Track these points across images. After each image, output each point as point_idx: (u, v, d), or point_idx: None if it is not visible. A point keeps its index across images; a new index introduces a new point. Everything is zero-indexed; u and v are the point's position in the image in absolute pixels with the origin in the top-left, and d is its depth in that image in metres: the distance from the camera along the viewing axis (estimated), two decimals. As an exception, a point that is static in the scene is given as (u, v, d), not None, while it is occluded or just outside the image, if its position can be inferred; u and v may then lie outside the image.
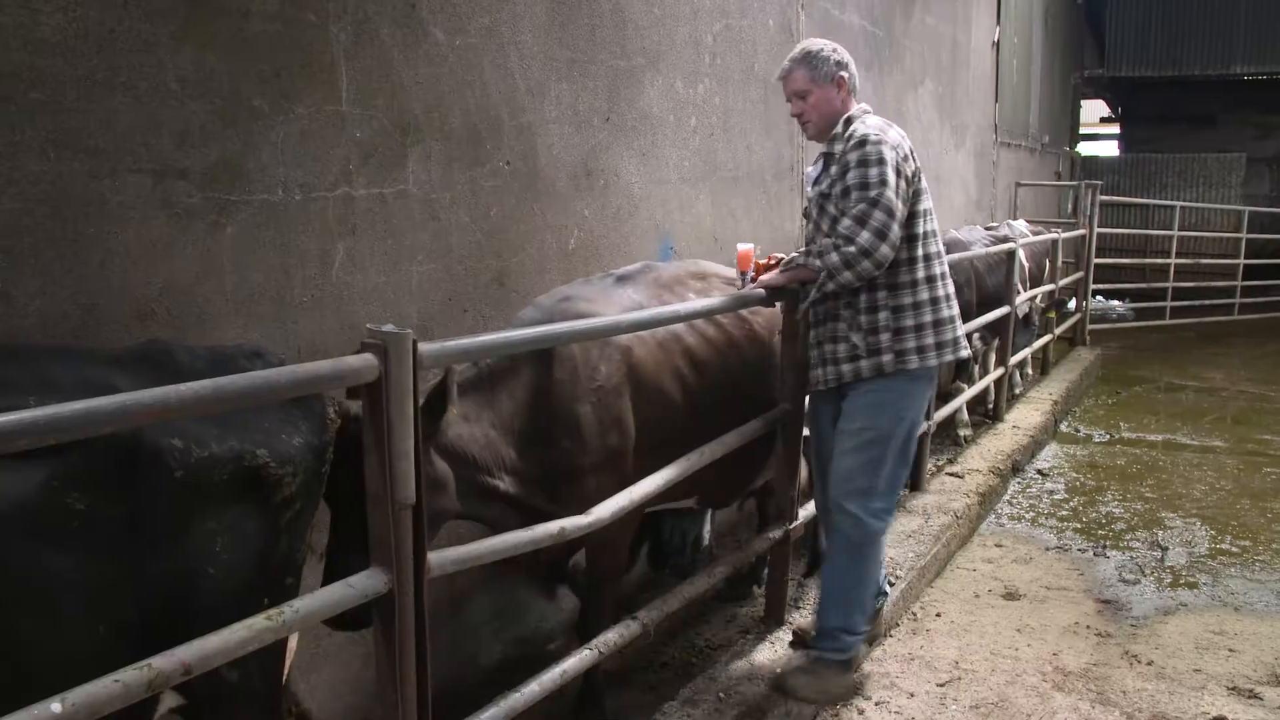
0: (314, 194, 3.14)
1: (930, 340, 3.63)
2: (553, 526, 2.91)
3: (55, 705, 1.66)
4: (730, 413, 3.75)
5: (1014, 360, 8.20)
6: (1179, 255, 14.73)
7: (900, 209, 3.49)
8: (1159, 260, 14.89)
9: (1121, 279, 14.88)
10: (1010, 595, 5.10)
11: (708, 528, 5.02)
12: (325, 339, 3.19)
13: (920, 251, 3.64)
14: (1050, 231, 9.89)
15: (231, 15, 2.86)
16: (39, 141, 2.44)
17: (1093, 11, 17.61)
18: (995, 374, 7.94)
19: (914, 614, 4.82)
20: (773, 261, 3.91)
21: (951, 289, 3.76)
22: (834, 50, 3.70)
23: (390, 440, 2.22)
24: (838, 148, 3.65)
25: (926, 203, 3.68)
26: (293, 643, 2.45)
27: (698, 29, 5.21)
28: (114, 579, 1.98)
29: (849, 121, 3.67)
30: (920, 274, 3.63)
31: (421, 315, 3.57)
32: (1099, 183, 12.38)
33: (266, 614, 2.07)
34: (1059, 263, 9.78)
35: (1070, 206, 14.25)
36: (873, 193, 3.47)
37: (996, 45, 11.59)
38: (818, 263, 3.58)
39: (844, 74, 3.69)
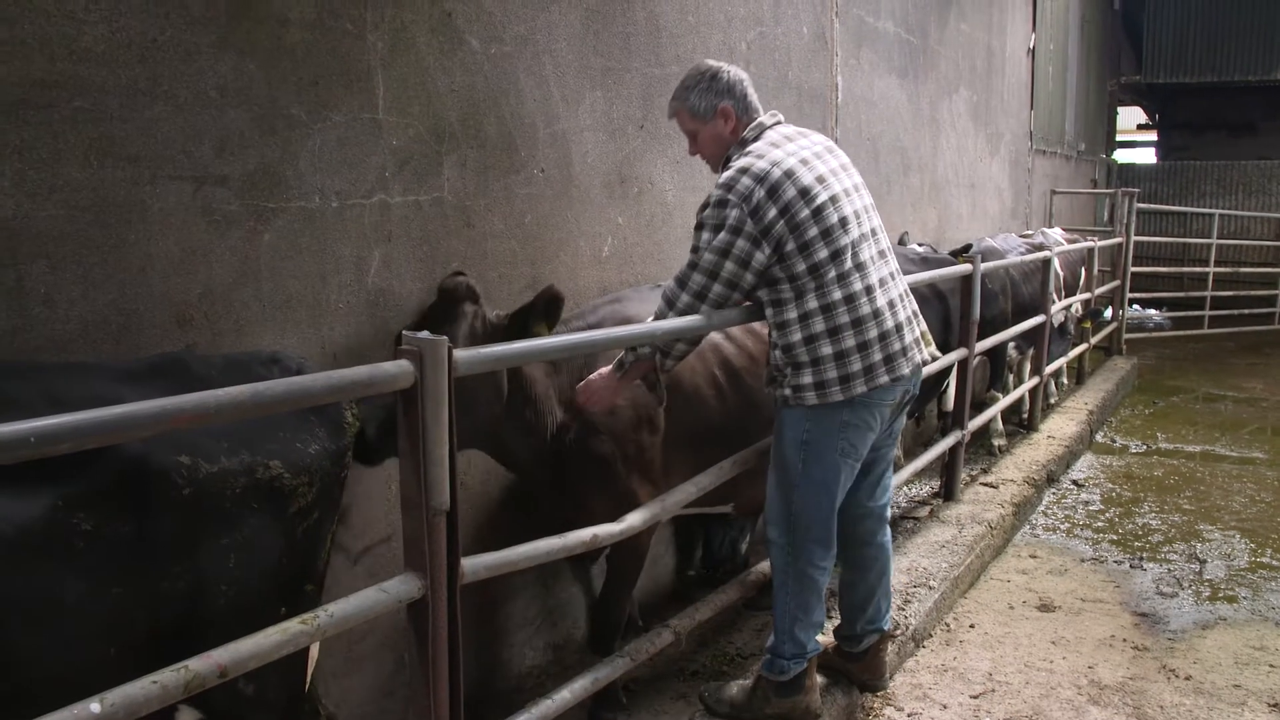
0: (350, 201, 3.17)
1: (833, 374, 3.26)
2: (585, 534, 2.92)
3: (94, 705, 1.69)
4: (762, 422, 3.74)
5: (1049, 369, 8.14)
6: (1218, 264, 14.56)
7: (726, 273, 3.19)
8: (1197, 269, 14.72)
9: (1159, 287, 14.73)
10: (1045, 607, 5.06)
11: (747, 537, 5.04)
12: (360, 345, 3.22)
13: (813, 284, 3.23)
14: (1086, 239, 9.81)
15: (270, 24, 2.89)
16: (82, 149, 2.47)
17: (1130, 17, 17.45)
18: (1030, 383, 7.88)
19: (947, 625, 4.79)
20: None
21: (866, 310, 3.27)
22: (713, 78, 3.38)
23: (425, 446, 2.23)
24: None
25: (831, 220, 3.22)
26: (314, 652, 2.46)
27: (731, 37, 5.21)
28: (123, 599, 1.95)
29: (730, 156, 3.39)
30: (813, 304, 3.23)
31: (456, 322, 3.59)
32: (1136, 190, 12.28)
33: (301, 618, 2.08)
34: (1095, 271, 9.70)
35: (1106, 214, 14.16)
36: (698, 258, 3.24)
37: (1032, 52, 11.51)
38: (646, 350, 3.28)
39: (726, 103, 3.37)
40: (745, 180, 3.20)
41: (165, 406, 1.77)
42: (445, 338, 2.25)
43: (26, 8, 2.34)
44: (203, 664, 1.86)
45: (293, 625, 2.05)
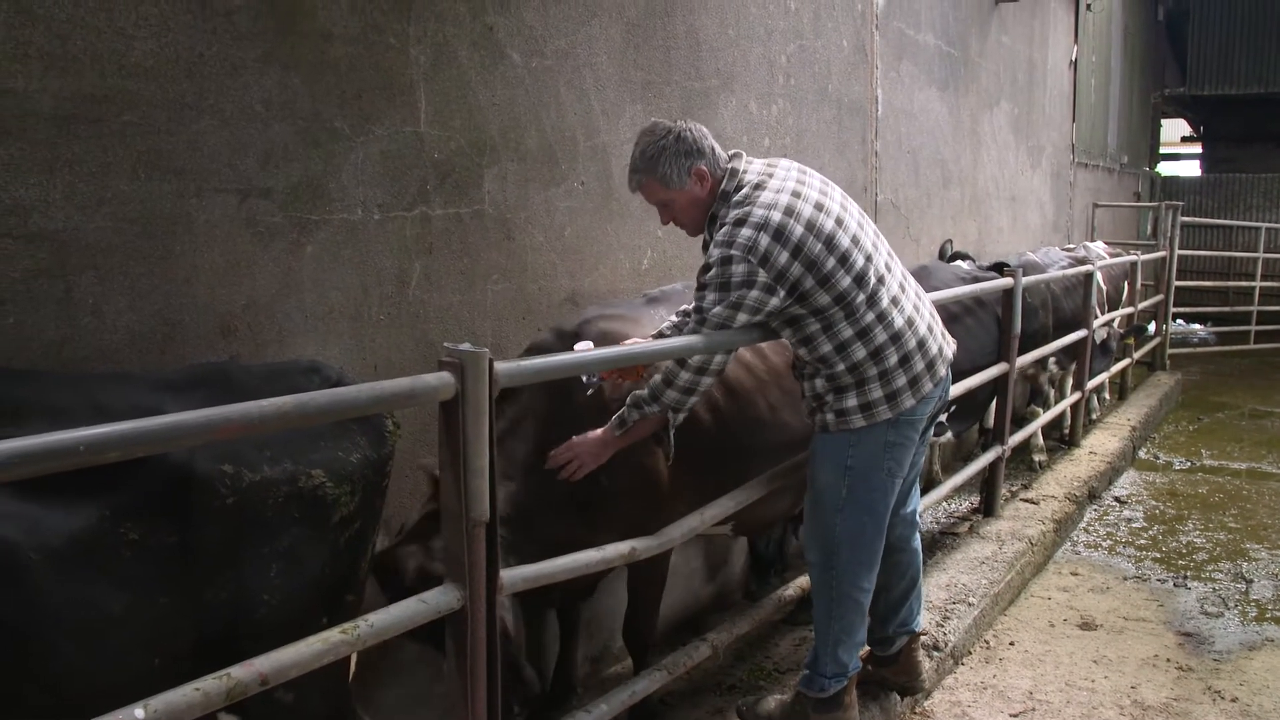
0: (392, 213, 3.19)
1: (878, 394, 3.20)
2: (623, 547, 2.92)
3: (139, 711, 1.70)
4: (778, 436, 3.69)
5: (1091, 385, 8.05)
6: (1264, 278, 14.36)
7: (739, 326, 3.05)
8: (1243, 283, 14.52)
9: (1203, 302, 14.51)
10: (1086, 625, 4.99)
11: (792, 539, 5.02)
12: (401, 357, 3.24)
13: (842, 313, 3.12)
14: (1129, 253, 9.71)
15: (315, 39, 2.93)
16: (130, 162, 2.51)
17: (1174, 29, 17.28)
18: (1071, 399, 7.80)
19: (986, 642, 4.74)
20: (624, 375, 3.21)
21: (899, 324, 3.20)
22: (677, 139, 3.14)
23: (466, 458, 2.24)
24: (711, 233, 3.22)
25: (844, 245, 3.09)
26: (354, 660, 2.47)
27: (771, 50, 5.21)
28: (167, 608, 1.98)
29: (715, 214, 3.21)
30: (848, 333, 3.14)
31: (495, 334, 3.61)
32: (1180, 203, 12.14)
33: (341, 628, 2.09)
34: (1138, 285, 9.59)
35: (1150, 228, 14.00)
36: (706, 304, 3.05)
37: (1074, 64, 11.43)
38: (654, 408, 3.11)
39: (700, 164, 3.15)
40: (745, 232, 3.01)
41: (212, 416, 1.79)
42: (486, 350, 2.25)
43: (78, 24, 2.38)
44: (244, 672, 1.87)
45: (333, 635, 2.06)
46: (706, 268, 3.09)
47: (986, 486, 6.21)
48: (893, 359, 3.19)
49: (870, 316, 3.15)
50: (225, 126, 2.71)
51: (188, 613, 2.01)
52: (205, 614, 2.05)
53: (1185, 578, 5.68)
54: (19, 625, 1.74)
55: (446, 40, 3.34)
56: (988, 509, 6.13)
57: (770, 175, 3.17)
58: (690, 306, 3.17)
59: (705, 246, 3.26)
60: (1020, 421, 6.99)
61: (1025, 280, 5.91)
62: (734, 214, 3.08)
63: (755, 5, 5.05)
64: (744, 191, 3.13)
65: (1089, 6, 11.71)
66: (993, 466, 6.05)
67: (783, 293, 3.05)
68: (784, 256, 3.01)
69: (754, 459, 3.61)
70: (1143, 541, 6.33)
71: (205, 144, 2.67)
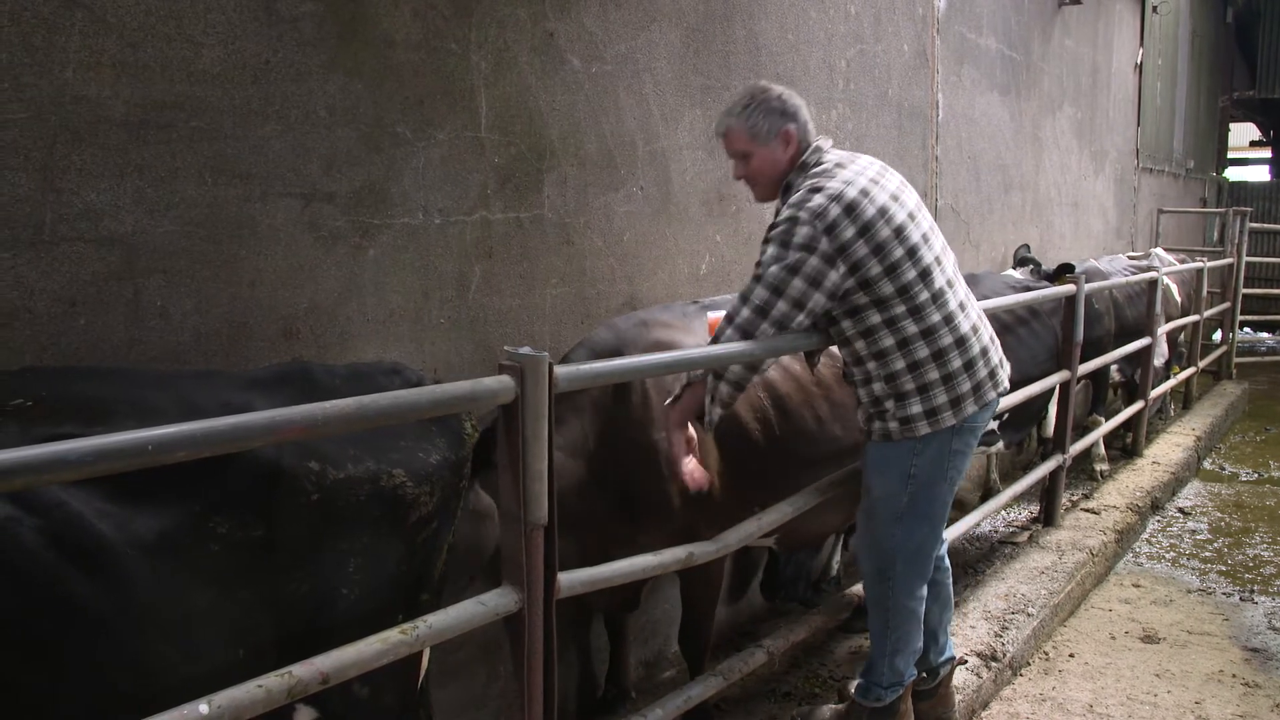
0: (453, 218, 3.22)
1: (943, 399, 3.14)
2: (680, 552, 2.91)
3: (203, 706, 1.73)
4: (826, 449, 3.67)
5: (1154, 393, 7.91)
6: (1335, 286, 14.04)
7: (794, 290, 2.97)
8: (1313, 291, 14.21)
9: (1271, 310, 14.21)
10: (1149, 638, 4.90)
11: (837, 557, 4.97)
12: (461, 360, 3.26)
13: (904, 306, 3.06)
14: (1195, 260, 9.53)
15: (378, 45, 2.96)
16: (197, 167, 2.56)
17: (1243, 31, 16.94)
18: (1134, 408, 7.67)
19: (1046, 653, 4.67)
20: None
21: (965, 329, 3.15)
22: (778, 99, 3.16)
23: (525, 461, 2.25)
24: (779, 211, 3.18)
25: (914, 239, 3.06)
26: (426, 658, 2.50)
27: (831, 54, 5.19)
28: (253, 602, 2.01)
29: (790, 183, 3.19)
30: (912, 329, 3.08)
31: (554, 338, 3.62)
32: (1248, 209, 11.88)
33: (401, 628, 2.11)
34: (1204, 293, 9.41)
35: (1216, 234, 13.74)
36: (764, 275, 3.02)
37: (1139, 68, 11.24)
38: (698, 372, 3.11)
39: (790, 126, 3.16)
40: (818, 199, 2.98)
41: (275, 418, 1.82)
42: (546, 354, 2.26)
43: (149, 32, 2.43)
44: (305, 670, 1.90)
45: (392, 635, 2.08)
46: (773, 226, 3.06)
47: (1046, 495, 6.12)
48: (956, 362, 3.14)
49: (936, 316, 3.10)
50: (290, 132, 2.75)
51: (270, 607, 2.04)
52: (286, 608, 2.08)
53: (1252, 591, 5.56)
54: (111, 618, 1.78)
55: (507, 46, 3.36)
56: (1048, 518, 6.05)
57: (853, 160, 3.17)
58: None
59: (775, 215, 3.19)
60: (1082, 430, 6.88)
61: (1088, 287, 5.82)
62: (809, 183, 3.07)
63: (815, 9, 5.03)
64: (824, 167, 3.13)
65: (1155, 9, 11.52)
66: (1053, 475, 5.97)
67: (843, 268, 2.99)
68: (850, 231, 2.96)
69: (804, 471, 3.57)
70: (1208, 554, 6.21)
71: (270, 149, 2.71)
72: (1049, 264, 6.54)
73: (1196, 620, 5.15)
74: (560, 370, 2.33)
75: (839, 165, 3.12)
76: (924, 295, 3.07)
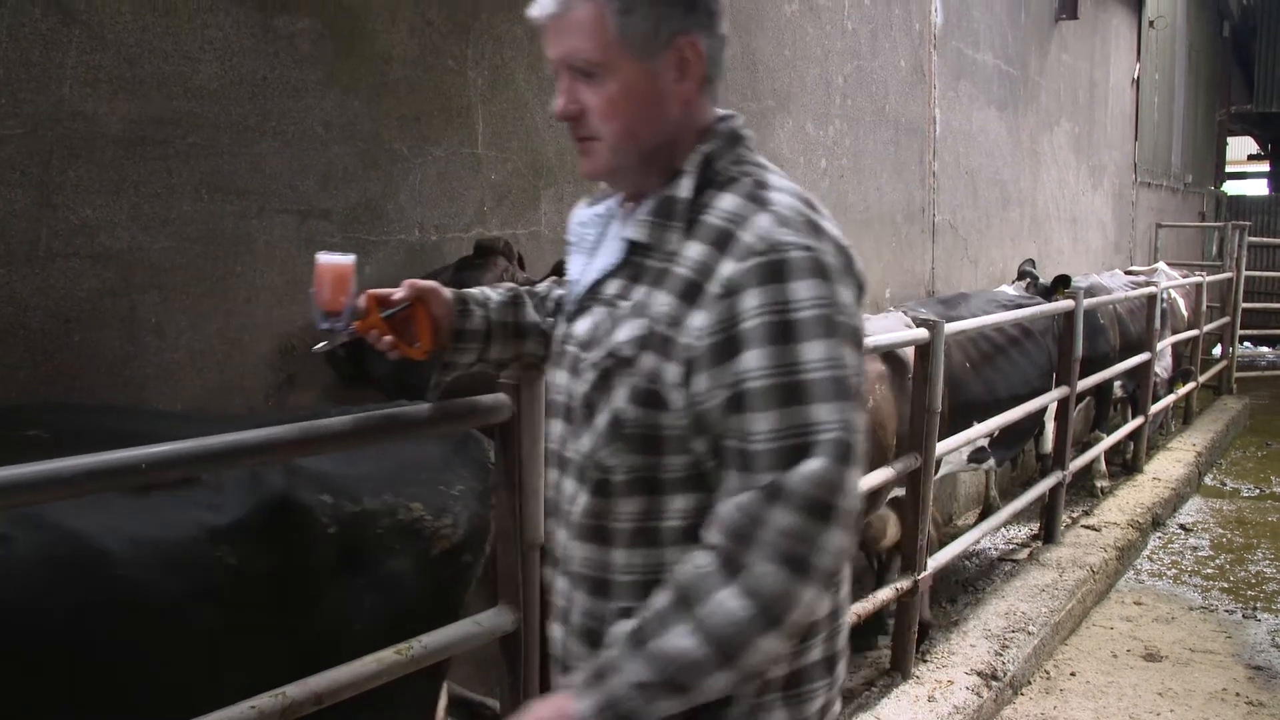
0: (449, 234, 3.21)
1: None
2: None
3: (193, 728, 1.72)
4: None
5: (1154, 409, 7.90)
6: (1334, 300, 14.03)
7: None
8: (1312, 305, 14.19)
9: (1271, 324, 14.20)
10: (1151, 656, 4.88)
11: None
12: (460, 378, 3.24)
13: None
14: (1194, 274, 9.53)
15: (375, 61, 2.96)
16: (193, 184, 2.55)
17: (1241, 45, 16.97)
18: (1134, 423, 7.65)
19: (1047, 672, 4.64)
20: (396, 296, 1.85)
21: None
22: None
23: (521, 479, 2.23)
24: (671, 240, 1.51)
25: None
26: (443, 697, 2.45)
27: (828, 70, 5.19)
28: (263, 635, 1.97)
29: (710, 174, 1.58)
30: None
31: (550, 354, 3.60)
32: (1247, 223, 11.90)
33: (396, 648, 2.09)
34: (1203, 307, 9.41)
35: (1215, 248, 13.74)
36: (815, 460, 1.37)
37: (1137, 82, 11.27)
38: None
39: (696, 38, 1.59)
40: (831, 230, 1.58)
41: (270, 435, 1.81)
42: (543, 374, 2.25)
43: (146, 48, 2.43)
44: (299, 690, 1.88)
45: (387, 655, 2.06)
46: (719, 337, 1.42)
47: (1046, 512, 6.10)
48: None
49: None
50: (287, 148, 2.75)
51: (283, 639, 2.01)
52: (296, 642, 2.04)
53: (1255, 609, 5.53)
54: (110, 635, 1.76)
55: (504, 62, 3.36)
56: (1048, 535, 6.03)
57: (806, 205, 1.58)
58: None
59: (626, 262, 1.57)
60: (1082, 446, 6.87)
61: (1087, 302, 5.81)
62: (776, 197, 1.53)
63: (812, 26, 5.03)
64: (767, 174, 1.60)
65: (1152, 23, 11.55)
66: (1053, 492, 5.95)
67: None
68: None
69: None
70: (1209, 570, 6.18)
71: (267, 165, 2.70)
72: (1047, 279, 6.53)
73: (1199, 638, 5.12)
74: (557, 387, 2.31)
75: (793, 195, 1.57)
76: None
